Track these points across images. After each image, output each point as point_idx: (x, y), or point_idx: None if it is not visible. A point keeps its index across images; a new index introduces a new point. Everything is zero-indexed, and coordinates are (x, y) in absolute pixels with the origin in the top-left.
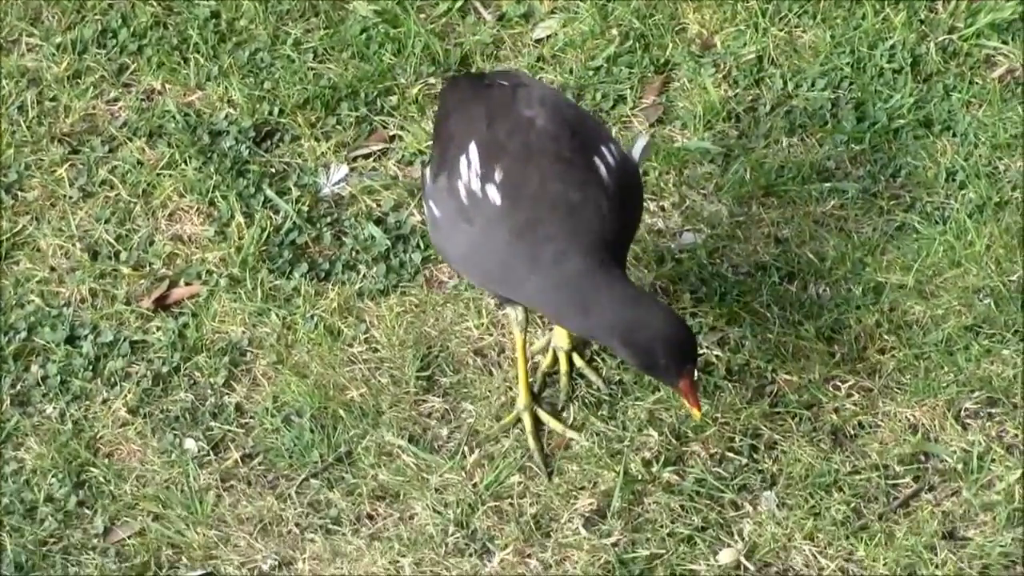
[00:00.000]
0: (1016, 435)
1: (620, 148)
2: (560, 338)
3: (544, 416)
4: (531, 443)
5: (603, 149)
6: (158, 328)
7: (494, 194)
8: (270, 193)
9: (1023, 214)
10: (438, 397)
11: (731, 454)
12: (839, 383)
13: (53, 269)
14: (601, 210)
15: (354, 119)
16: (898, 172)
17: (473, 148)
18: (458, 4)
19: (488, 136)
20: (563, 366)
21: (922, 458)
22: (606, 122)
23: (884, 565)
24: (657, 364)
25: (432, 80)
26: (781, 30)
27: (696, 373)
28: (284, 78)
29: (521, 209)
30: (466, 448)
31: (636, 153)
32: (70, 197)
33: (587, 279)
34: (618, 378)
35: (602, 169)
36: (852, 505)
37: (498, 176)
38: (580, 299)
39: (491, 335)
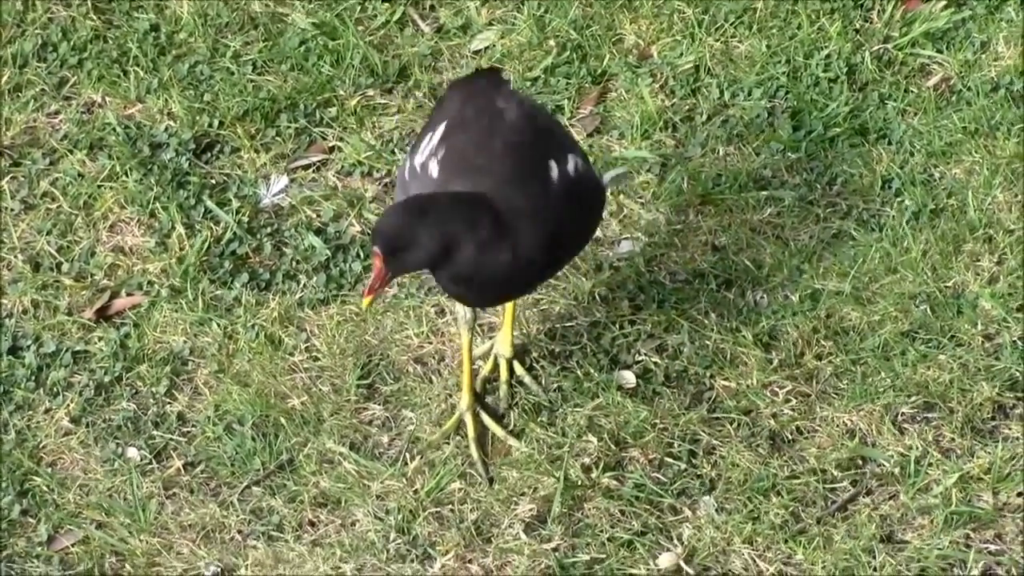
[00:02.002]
0: (953, 439)
1: (589, 166)
2: (502, 345)
3: (486, 419)
4: (472, 450)
5: (567, 157)
6: (100, 338)
7: (433, 167)
8: (210, 204)
9: (957, 221)
10: (379, 405)
11: (670, 459)
12: (777, 388)
13: None
14: (537, 211)
15: (293, 131)
16: (834, 180)
17: (441, 128)
18: (396, 16)
19: (457, 117)
20: (503, 373)
21: (860, 462)
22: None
23: (823, 568)
24: None
25: (371, 92)
26: (717, 40)
27: (379, 259)
28: (223, 90)
29: (452, 183)
30: (407, 455)
31: (607, 178)
32: (11, 209)
33: None
34: (557, 385)
35: (554, 171)
36: (790, 509)
37: (440, 152)
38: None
39: (431, 343)
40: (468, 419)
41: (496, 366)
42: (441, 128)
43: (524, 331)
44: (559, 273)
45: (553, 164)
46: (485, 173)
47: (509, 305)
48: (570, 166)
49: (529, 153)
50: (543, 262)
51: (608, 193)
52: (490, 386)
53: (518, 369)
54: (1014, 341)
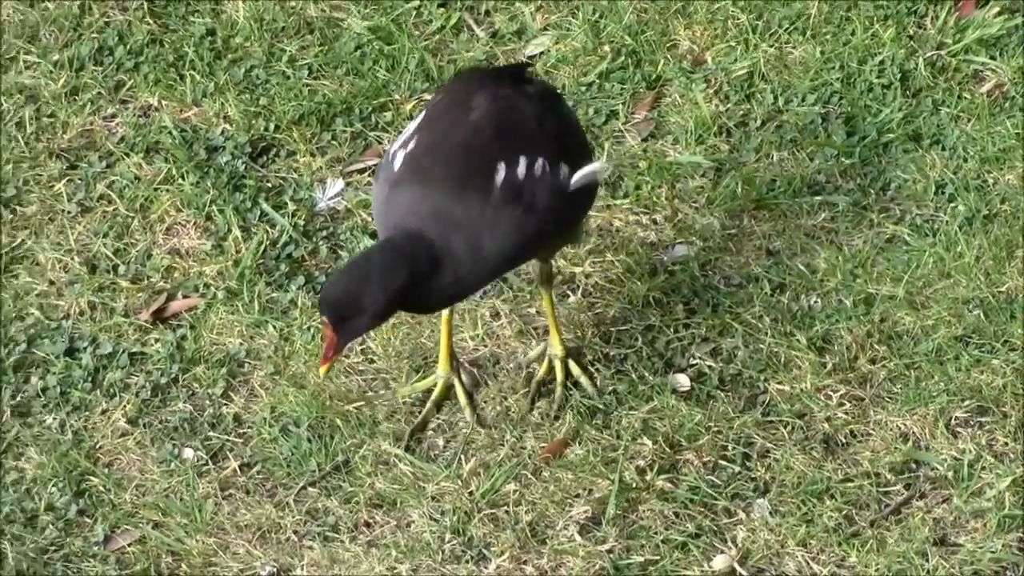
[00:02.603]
0: (1006, 443)
1: (558, 170)
2: (556, 347)
3: (460, 390)
4: (427, 406)
5: (521, 159)
6: (156, 340)
7: (399, 159)
8: (266, 207)
9: (1011, 226)
10: (435, 407)
11: (724, 462)
12: (830, 392)
13: (52, 283)
14: (474, 224)
15: (349, 135)
16: (888, 185)
17: (419, 118)
18: (452, 21)
19: (432, 111)
20: (559, 375)
21: (913, 466)
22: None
23: (876, 571)
24: None
25: (426, 96)
26: (771, 46)
27: (329, 328)
28: (279, 94)
29: (402, 183)
30: (462, 457)
31: (575, 178)
32: (68, 212)
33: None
34: (612, 388)
35: (499, 175)
36: (844, 512)
37: (410, 145)
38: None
39: (486, 346)
40: (440, 384)
41: (551, 368)
42: (419, 118)
43: (579, 334)
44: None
45: (501, 167)
46: (430, 178)
47: (548, 306)
48: (520, 168)
49: (477, 155)
50: (494, 270)
51: (589, 189)
52: (545, 388)
53: (574, 369)
54: None
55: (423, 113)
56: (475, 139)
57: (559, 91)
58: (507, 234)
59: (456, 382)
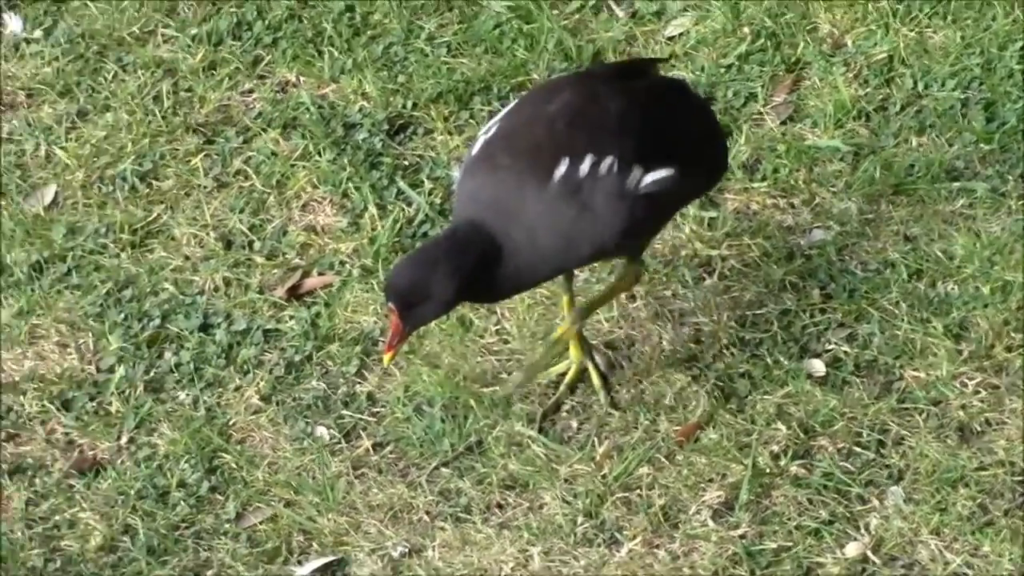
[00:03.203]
0: None
1: (627, 172)
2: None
3: (594, 373)
4: (561, 388)
5: (588, 156)
6: (291, 317)
7: (477, 145)
8: (403, 185)
9: None
10: (569, 390)
11: (858, 448)
12: (966, 380)
13: (187, 258)
14: (530, 217)
15: (487, 113)
16: None
17: (509, 106)
18: (591, 1)
19: (521, 100)
20: (595, 380)
21: None
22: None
23: (1010, 561)
24: None
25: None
26: (912, 30)
27: (395, 315)
28: (418, 72)
29: (473, 170)
30: (596, 439)
31: (648, 178)
32: (204, 187)
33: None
34: (746, 371)
35: (560, 169)
36: (978, 501)
37: (490, 132)
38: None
39: (621, 328)
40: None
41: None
42: (507, 109)
43: (714, 318)
44: (748, 257)
45: (564, 161)
46: (496, 167)
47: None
48: (584, 165)
49: (543, 147)
50: (553, 265)
51: (661, 198)
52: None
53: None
54: None
55: (516, 100)
56: (545, 131)
57: (684, 86)
58: (561, 231)
59: (590, 365)
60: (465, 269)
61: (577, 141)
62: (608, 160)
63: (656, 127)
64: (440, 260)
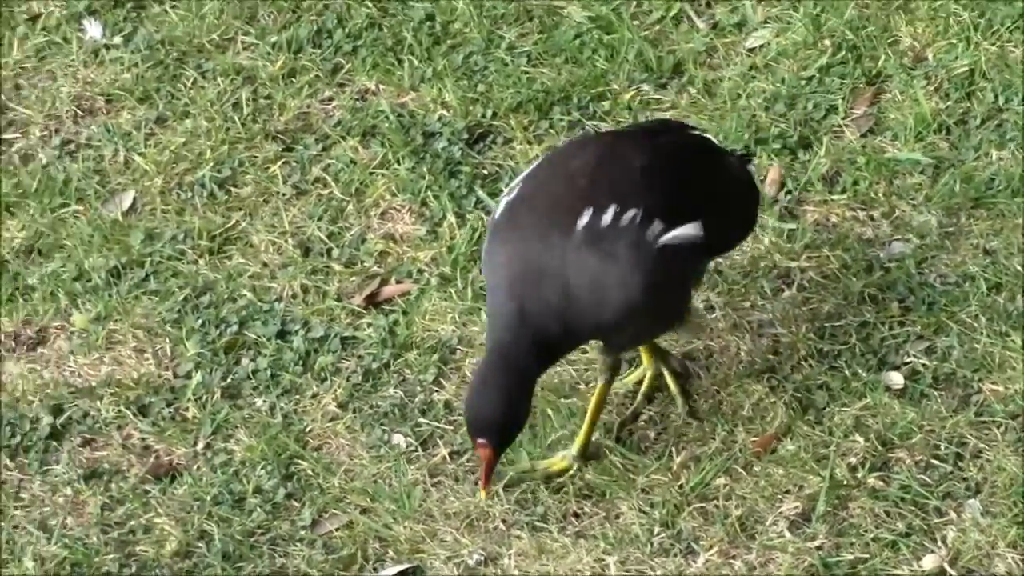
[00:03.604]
0: None
1: (648, 224)
2: (575, 448)
3: (671, 380)
4: (638, 399)
5: (612, 206)
6: (369, 325)
7: (500, 208)
8: (482, 194)
9: None
10: (646, 399)
11: (936, 461)
12: None
13: (265, 264)
14: (551, 256)
15: (566, 123)
16: None
17: (533, 165)
18: (672, 12)
19: (543, 160)
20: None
21: None
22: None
23: None
24: None
25: (645, 87)
26: (993, 44)
27: (481, 451)
28: (497, 81)
29: (497, 234)
30: (672, 449)
31: (668, 236)
32: (283, 194)
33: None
34: (824, 383)
35: (583, 219)
36: None
37: (513, 194)
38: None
39: (699, 338)
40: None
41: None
42: (529, 170)
43: (792, 329)
44: (827, 269)
45: (587, 212)
46: (519, 227)
47: (596, 399)
48: (607, 216)
49: (565, 202)
50: (593, 324)
51: (673, 251)
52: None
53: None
54: None
55: (538, 161)
56: (567, 187)
57: (713, 145)
58: (588, 282)
59: (666, 371)
60: (535, 370)
61: (600, 192)
62: (631, 212)
63: (682, 183)
64: (513, 380)
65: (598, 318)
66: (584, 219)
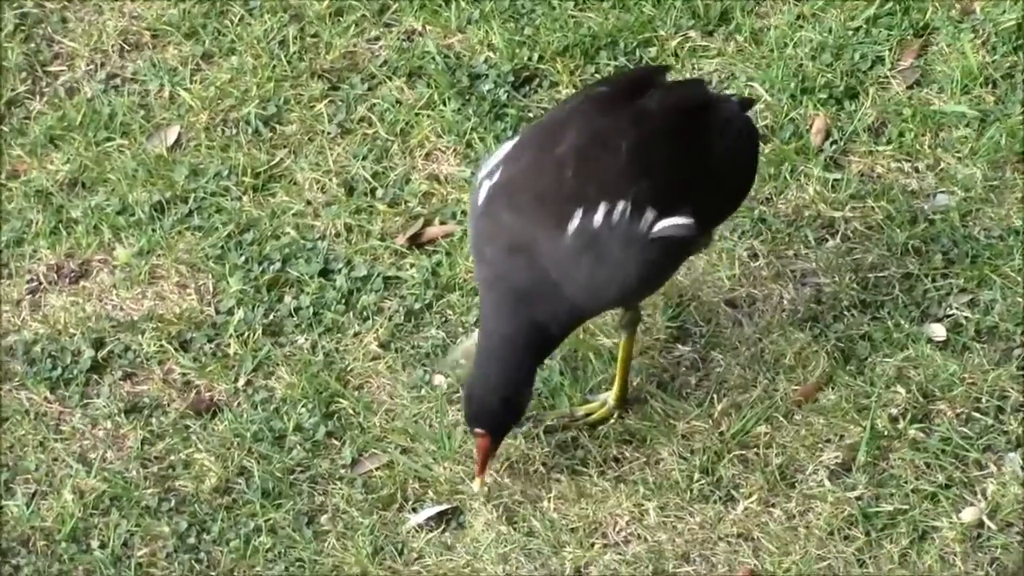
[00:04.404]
0: None
1: (639, 216)
2: (614, 394)
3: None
4: (579, 417)
5: (601, 204)
6: (411, 265)
7: (483, 191)
8: None
9: None
10: (687, 346)
11: (977, 414)
12: None
13: (309, 203)
14: (552, 277)
15: (613, 68)
16: None
17: (511, 143)
18: None
19: (524, 138)
20: (597, 413)
21: None
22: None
23: None
24: None
25: (692, 33)
26: None
27: (486, 438)
28: (544, 25)
29: (482, 224)
30: (714, 396)
31: (660, 225)
32: (328, 133)
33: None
34: (866, 333)
35: (574, 222)
36: None
37: (495, 177)
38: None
39: (742, 286)
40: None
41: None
42: (510, 146)
43: (836, 279)
44: (872, 220)
45: (577, 213)
46: (505, 222)
47: (623, 352)
48: (598, 215)
49: (552, 200)
50: (584, 314)
51: (665, 242)
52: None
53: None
54: None
55: (517, 138)
56: (552, 180)
57: (705, 98)
58: (582, 284)
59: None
60: (533, 361)
61: (588, 189)
62: (620, 205)
63: (672, 161)
64: (512, 372)
65: (593, 310)
66: (575, 222)
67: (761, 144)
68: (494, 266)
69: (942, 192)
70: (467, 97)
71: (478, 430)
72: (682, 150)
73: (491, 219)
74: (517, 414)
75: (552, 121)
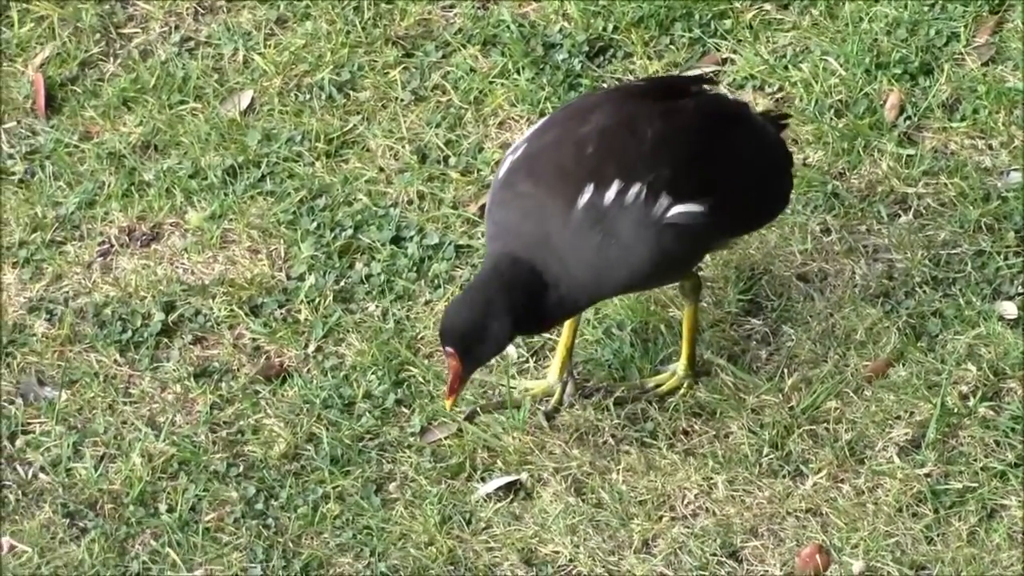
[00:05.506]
0: None
1: (654, 200)
2: (683, 365)
3: (556, 397)
4: (528, 390)
5: (615, 183)
6: (483, 234)
7: (505, 165)
8: None
9: None
10: (759, 320)
11: None
12: None
13: (381, 169)
14: (558, 246)
15: (687, 40)
16: None
17: (537, 125)
18: None
19: (552, 117)
20: (668, 383)
21: None
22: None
23: None
24: None
25: (767, 6)
26: None
27: (455, 360)
28: None
29: (500, 197)
30: (785, 370)
31: (674, 210)
32: (401, 100)
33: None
34: (936, 310)
35: (584, 197)
36: None
37: (519, 152)
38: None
39: (814, 261)
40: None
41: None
42: (537, 125)
43: (908, 255)
44: (944, 196)
45: (588, 188)
46: (522, 194)
47: (687, 321)
48: (610, 192)
49: (569, 173)
50: (592, 294)
51: (679, 229)
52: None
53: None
54: None
55: (547, 117)
56: (573, 155)
57: (742, 114)
58: (589, 261)
59: (558, 391)
60: (517, 305)
61: (606, 167)
62: (636, 187)
63: (695, 155)
64: (492, 300)
65: (597, 292)
66: (585, 197)
67: (793, 156)
68: (504, 227)
69: (1015, 169)
70: (541, 66)
71: (448, 348)
72: (708, 150)
73: (509, 188)
74: (485, 342)
75: (583, 103)
